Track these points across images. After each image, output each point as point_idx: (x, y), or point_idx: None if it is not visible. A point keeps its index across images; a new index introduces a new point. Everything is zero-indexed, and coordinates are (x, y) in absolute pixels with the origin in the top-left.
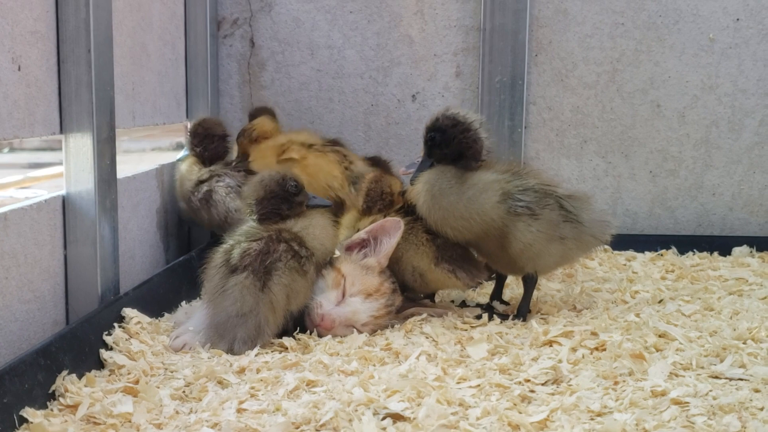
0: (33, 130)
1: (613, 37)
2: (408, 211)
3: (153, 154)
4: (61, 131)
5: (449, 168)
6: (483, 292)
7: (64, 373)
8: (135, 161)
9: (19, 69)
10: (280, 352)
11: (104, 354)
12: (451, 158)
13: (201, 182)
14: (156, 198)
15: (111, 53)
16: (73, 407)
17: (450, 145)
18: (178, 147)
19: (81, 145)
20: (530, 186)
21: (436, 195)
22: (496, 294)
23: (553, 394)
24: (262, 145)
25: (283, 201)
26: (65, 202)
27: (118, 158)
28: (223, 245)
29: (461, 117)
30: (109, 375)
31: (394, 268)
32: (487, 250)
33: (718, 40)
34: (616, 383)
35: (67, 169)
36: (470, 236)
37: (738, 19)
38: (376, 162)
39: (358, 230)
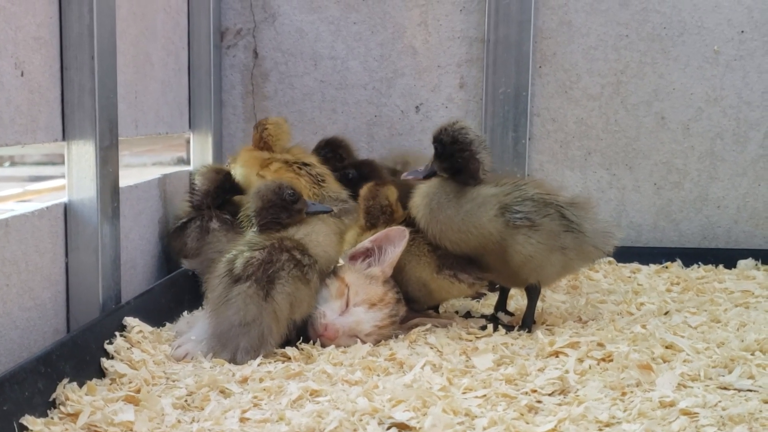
0: (35, 136)
1: (617, 49)
2: (410, 222)
3: (154, 168)
4: (64, 138)
5: (449, 182)
6: (487, 303)
7: (65, 381)
8: (136, 176)
9: (22, 75)
10: (283, 361)
11: (105, 363)
12: (451, 171)
13: None
14: (158, 208)
15: (114, 61)
16: (74, 415)
17: (449, 159)
18: (180, 161)
19: (83, 153)
20: (529, 196)
21: (434, 209)
22: (501, 305)
23: (560, 405)
24: (252, 153)
25: (281, 210)
26: (67, 210)
27: (120, 172)
28: (227, 255)
29: (461, 136)
30: (110, 384)
31: (397, 278)
32: (488, 264)
33: (722, 53)
34: (623, 394)
35: (69, 177)
36: (468, 249)
37: (743, 32)
38: (359, 166)
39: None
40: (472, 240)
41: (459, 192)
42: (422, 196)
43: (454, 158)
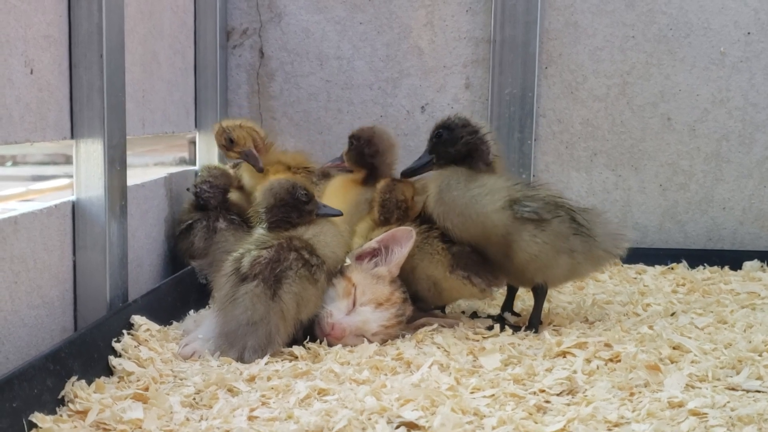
0: (44, 134)
1: (623, 50)
2: (423, 219)
3: (157, 168)
4: (72, 136)
5: (462, 169)
6: (494, 304)
7: (74, 378)
8: (139, 175)
9: (31, 72)
10: (290, 360)
11: (113, 361)
12: (457, 158)
13: None
14: (165, 207)
15: (123, 59)
16: (83, 413)
17: (456, 143)
18: (182, 162)
19: (92, 151)
20: (540, 197)
21: (443, 189)
22: (507, 305)
23: (569, 405)
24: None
25: (293, 209)
26: (75, 208)
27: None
28: (234, 253)
29: (472, 121)
30: (119, 382)
31: (407, 278)
32: (493, 258)
33: (729, 54)
34: (632, 394)
35: (77, 175)
36: (468, 237)
37: (749, 33)
38: None
39: (371, 240)
40: (471, 227)
41: (470, 177)
42: (435, 179)
43: (464, 141)
